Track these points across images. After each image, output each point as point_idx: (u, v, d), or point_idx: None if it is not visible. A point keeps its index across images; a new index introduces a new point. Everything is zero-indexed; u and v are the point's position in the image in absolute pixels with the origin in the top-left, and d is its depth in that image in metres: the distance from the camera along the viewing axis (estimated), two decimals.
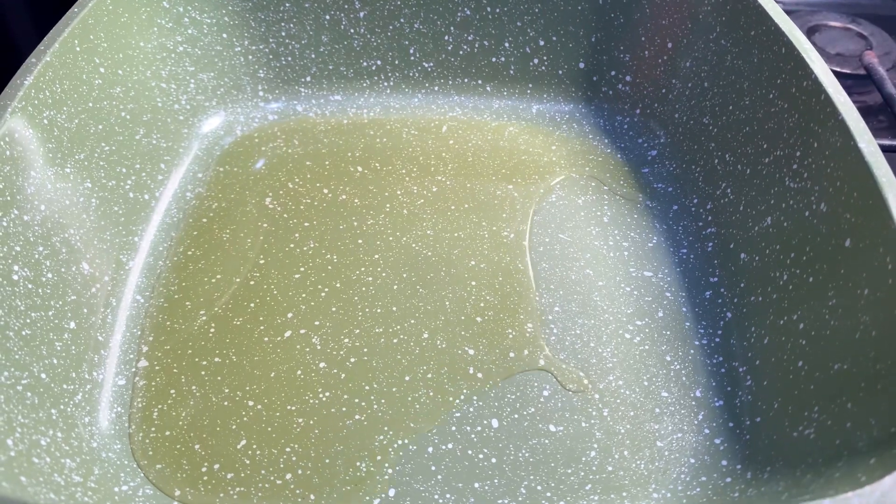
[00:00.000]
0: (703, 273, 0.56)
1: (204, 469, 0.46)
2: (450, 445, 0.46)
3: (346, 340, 0.52)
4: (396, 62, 0.71)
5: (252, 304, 0.55)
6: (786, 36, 0.53)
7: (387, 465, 0.46)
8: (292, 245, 0.59)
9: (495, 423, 0.47)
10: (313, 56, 0.70)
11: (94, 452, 0.45)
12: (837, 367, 0.42)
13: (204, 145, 0.67)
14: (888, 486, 0.31)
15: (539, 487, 0.45)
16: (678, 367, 0.50)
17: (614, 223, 0.60)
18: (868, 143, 0.44)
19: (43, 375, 0.45)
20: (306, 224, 0.61)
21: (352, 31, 0.69)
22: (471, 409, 0.48)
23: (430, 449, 0.46)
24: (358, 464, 0.46)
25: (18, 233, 0.46)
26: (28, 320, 0.45)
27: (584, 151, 0.67)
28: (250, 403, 0.49)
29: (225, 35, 0.68)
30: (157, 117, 0.64)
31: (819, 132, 0.48)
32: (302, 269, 0.57)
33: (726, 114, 0.60)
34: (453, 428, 0.47)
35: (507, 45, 0.69)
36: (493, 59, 0.70)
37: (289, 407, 0.49)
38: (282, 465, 0.46)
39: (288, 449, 0.47)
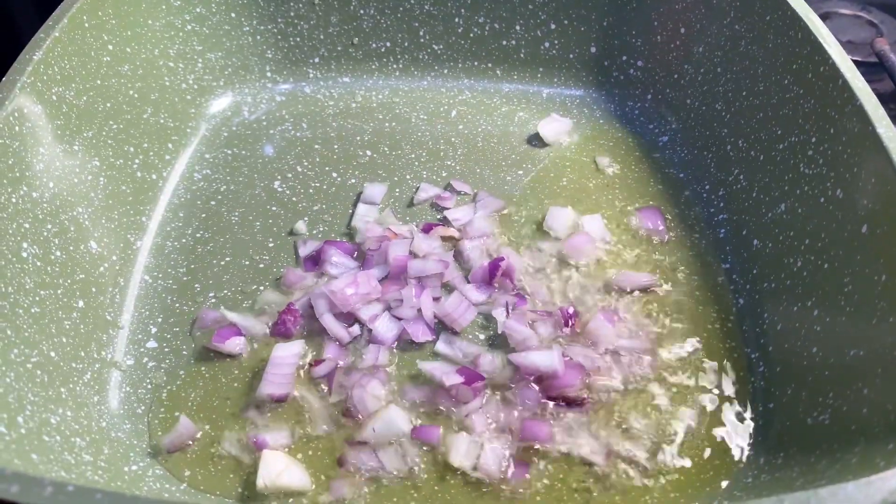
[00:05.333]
0: (715, 259, 0.56)
1: (213, 450, 0.46)
2: None
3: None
4: (406, 44, 0.70)
5: (262, 287, 0.54)
6: (802, 21, 0.53)
7: None
8: (304, 222, 0.59)
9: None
10: (322, 37, 0.69)
11: (104, 432, 0.45)
12: (853, 353, 0.42)
13: (211, 126, 0.67)
14: None
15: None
16: (690, 351, 0.50)
17: (625, 208, 0.60)
18: (887, 129, 0.44)
19: (52, 353, 0.44)
20: (315, 208, 0.60)
21: (361, 11, 0.68)
22: None
23: None
24: None
25: (27, 210, 0.46)
26: (37, 298, 0.45)
27: (595, 136, 0.67)
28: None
29: (233, 14, 0.67)
30: (164, 96, 0.63)
31: (836, 118, 0.48)
32: None
33: (740, 99, 0.59)
34: None
35: (518, 28, 0.69)
36: (504, 43, 0.69)
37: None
38: (293, 447, 0.46)
39: (299, 431, 0.46)
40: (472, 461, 0.44)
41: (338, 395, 0.47)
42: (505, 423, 0.46)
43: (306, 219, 0.59)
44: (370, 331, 0.50)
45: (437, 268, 0.53)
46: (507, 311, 0.51)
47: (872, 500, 0.30)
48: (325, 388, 0.48)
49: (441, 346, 0.50)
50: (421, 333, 0.50)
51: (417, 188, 0.61)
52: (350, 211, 0.60)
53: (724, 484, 0.44)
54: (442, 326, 0.51)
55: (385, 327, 0.50)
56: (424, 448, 0.45)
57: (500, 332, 0.50)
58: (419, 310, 0.51)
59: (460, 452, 0.44)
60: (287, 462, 0.44)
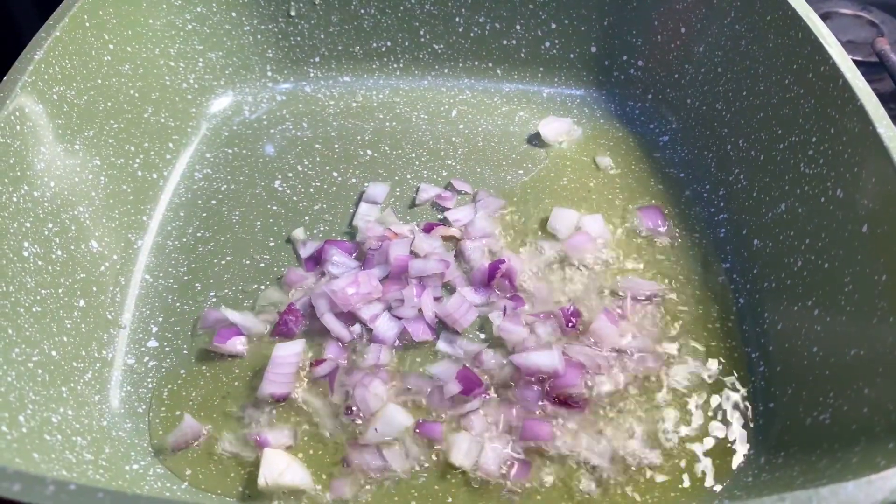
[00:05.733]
0: (716, 259, 0.56)
1: (214, 449, 0.46)
2: None
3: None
4: (406, 43, 0.70)
5: (262, 287, 0.54)
6: (802, 20, 0.53)
7: None
8: (303, 228, 0.59)
9: None
10: (322, 36, 0.69)
11: (105, 431, 0.45)
12: (854, 352, 0.42)
13: (212, 125, 0.67)
14: None
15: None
16: (691, 351, 0.50)
17: (625, 208, 0.60)
18: (887, 129, 0.44)
19: (53, 353, 0.44)
20: (316, 207, 0.60)
21: (362, 11, 0.68)
22: None
23: None
24: None
25: (28, 209, 0.46)
26: (38, 297, 0.45)
27: (596, 136, 0.67)
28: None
29: (234, 13, 0.67)
30: (165, 96, 0.63)
31: (836, 117, 0.48)
32: None
33: (740, 99, 0.59)
34: None
35: (518, 27, 0.69)
36: (505, 42, 0.69)
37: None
38: (294, 446, 0.46)
39: (300, 430, 0.46)
40: (472, 460, 0.44)
41: (339, 394, 0.47)
42: (506, 423, 0.46)
43: (307, 219, 0.59)
44: (371, 330, 0.51)
45: (438, 268, 0.53)
46: (504, 314, 0.51)
47: (873, 500, 0.30)
48: (326, 387, 0.48)
49: (442, 345, 0.50)
50: (421, 332, 0.50)
51: (418, 188, 0.61)
52: (351, 210, 0.60)
53: (725, 483, 0.44)
54: (443, 326, 0.51)
55: (386, 327, 0.50)
56: (427, 446, 0.45)
57: (495, 334, 0.50)
58: (420, 310, 0.51)
59: (461, 451, 0.44)
60: (288, 461, 0.44)
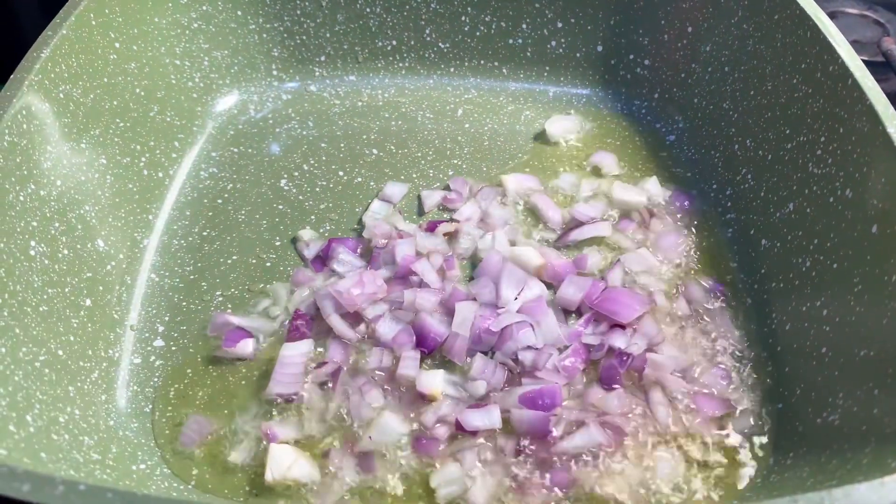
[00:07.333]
0: (723, 259, 0.56)
1: (221, 448, 0.45)
2: None
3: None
4: (412, 42, 0.70)
5: (269, 286, 0.54)
6: (811, 19, 0.53)
7: None
8: (309, 227, 0.58)
9: None
10: (328, 35, 0.69)
11: (112, 430, 0.45)
12: (863, 353, 0.42)
13: (218, 124, 0.66)
14: None
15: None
16: (697, 352, 0.50)
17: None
18: None
19: (60, 352, 0.44)
20: (322, 206, 0.60)
21: (368, 10, 0.68)
22: None
23: None
24: None
25: (35, 208, 0.46)
26: (45, 296, 0.45)
27: (602, 136, 0.66)
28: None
29: (240, 12, 0.67)
30: (171, 94, 0.63)
31: (845, 117, 0.48)
32: None
33: (747, 99, 0.59)
34: None
35: (524, 26, 0.68)
36: (510, 41, 0.69)
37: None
38: (300, 444, 0.46)
39: (305, 430, 0.46)
40: (450, 490, 0.43)
41: (341, 396, 0.47)
42: (506, 466, 0.44)
43: (312, 218, 0.59)
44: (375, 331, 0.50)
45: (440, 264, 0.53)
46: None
47: (886, 501, 0.30)
48: (329, 388, 0.48)
49: (449, 389, 0.47)
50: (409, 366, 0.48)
51: (419, 196, 0.61)
52: (357, 209, 0.60)
53: (735, 485, 0.43)
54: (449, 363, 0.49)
55: (387, 329, 0.50)
56: (422, 463, 0.44)
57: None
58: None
59: (442, 477, 0.43)
60: (295, 456, 0.44)
